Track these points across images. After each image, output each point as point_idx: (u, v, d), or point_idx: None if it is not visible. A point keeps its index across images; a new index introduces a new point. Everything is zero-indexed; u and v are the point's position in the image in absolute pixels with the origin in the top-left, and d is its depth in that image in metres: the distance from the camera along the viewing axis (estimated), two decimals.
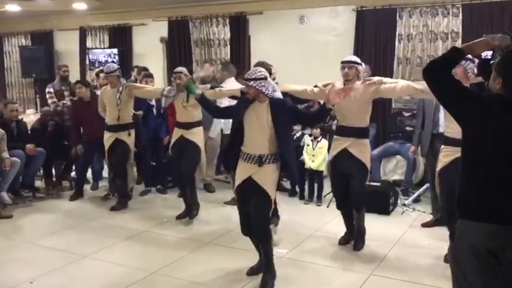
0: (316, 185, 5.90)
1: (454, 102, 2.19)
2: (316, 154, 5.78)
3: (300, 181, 6.08)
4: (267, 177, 3.56)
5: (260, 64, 4.91)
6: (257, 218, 3.57)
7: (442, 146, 4.00)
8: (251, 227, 3.64)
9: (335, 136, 4.45)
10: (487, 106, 2.09)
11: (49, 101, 6.69)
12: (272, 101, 3.57)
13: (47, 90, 6.86)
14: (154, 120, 6.22)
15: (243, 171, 3.64)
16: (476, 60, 3.41)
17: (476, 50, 2.29)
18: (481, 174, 2.12)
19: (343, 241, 4.53)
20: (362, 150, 4.25)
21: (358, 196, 4.28)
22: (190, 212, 5.24)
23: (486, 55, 2.27)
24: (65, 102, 6.71)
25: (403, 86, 4.09)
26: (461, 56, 2.28)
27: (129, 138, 5.57)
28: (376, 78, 4.26)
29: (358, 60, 4.26)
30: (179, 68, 5.21)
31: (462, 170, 2.22)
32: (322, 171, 5.77)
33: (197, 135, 5.21)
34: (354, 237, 4.48)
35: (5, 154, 5.51)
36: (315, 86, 4.47)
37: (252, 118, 3.59)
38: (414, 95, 4.34)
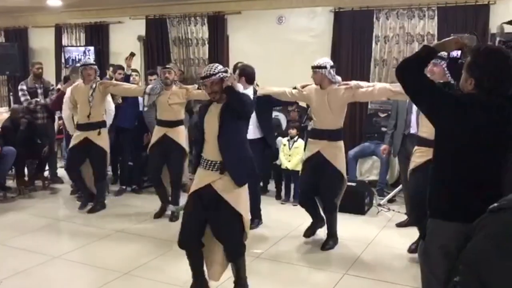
0: (292, 185, 5.90)
1: (426, 100, 2.20)
2: (293, 154, 5.78)
3: (277, 180, 6.12)
4: (232, 188, 3.19)
5: (245, 66, 4.89)
6: (228, 237, 3.23)
7: (416, 147, 4.03)
8: (194, 235, 3.25)
9: (309, 139, 4.50)
10: (460, 106, 2.10)
11: (22, 98, 6.53)
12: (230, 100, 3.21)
13: (19, 87, 6.70)
14: (137, 117, 6.12)
15: (202, 178, 3.26)
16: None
17: (447, 48, 2.31)
18: (452, 174, 2.14)
19: (309, 233, 4.55)
20: (336, 154, 4.28)
21: (328, 202, 4.34)
22: (171, 214, 5.21)
23: (457, 54, 2.28)
24: (38, 100, 6.55)
25: (380, 89, 4.13)
26: (434, 54, 2.29)
27: (99, 138, 5.39)
28: (352, 83, 4.27)
29: (322, 63, 4.21)
30: (166, 65, 5.24)
31: (433, 169, 2.23)
32: (298, 171, 5.76)
33: (181, 135, 5.19)
34: (321, 226, 4.51)
35: None
36: (294, 88, 4.49)
37: (207, 121, 3.29)
38: (391, 97, 4.37)
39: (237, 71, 4.87)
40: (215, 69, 3.23)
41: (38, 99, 6.56)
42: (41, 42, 9.84)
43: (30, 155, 6.32)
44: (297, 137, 5.82)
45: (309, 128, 5.42)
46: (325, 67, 4.20)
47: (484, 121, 2.07)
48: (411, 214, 4.41)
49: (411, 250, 4.21)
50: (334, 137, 4.28)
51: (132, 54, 5.67)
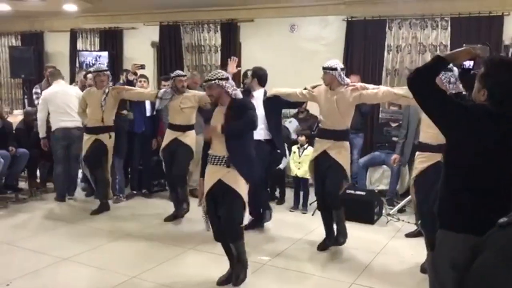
0: (301, 193, 5.89)
1: (438, 110, 2.19)
2: (302, 162, 5.77)
3: (280, 186, 6.21)
4: (238, 179, 3.54)
5: (258, 69, 4.97)
6: (231, 219, 3.55)
7: (417, 153, 4.00)
8: (222, 230, 3.61)
9: (316, 139, 4.56)
10: (472, 117, 2.09)
11: (36, 101, 6.61)
12: (234, 103, 3.57)
13: (33, 90, 6.78)
14: (145, 122, 6.18)
15: (212, 174, 3.60)
16: (455, 69, 3.43)
17: (458, 59, 2.30)
18: (461, 184, 2.12)
19: (321, 247, 4.55)
20: (340, 152, 4.34)
21: (332, 197, 4.35)
22: (181, 209, 5.27)
23: (469, 65, 2.28)
24: None
25: (384, 91, 4.22)
26: (445, 65, 2.29)
27: (109, 141, 5.48)
28: (359, 84, 4.36)
29: (333, 65, 4.29)
30: (179, 72, 5.35)
31: (443, 179, 2.22)
32: (308, 179, 5.77)
33: (191, 138, 5.25)
34: (332, 242, 4.53)
35: None
36: (305, 89, 4.56)
37: (213, 120, 3.65)
38: (395, 100, 4.47)
39: (250, 73, 5.03)
40: (214, 75, 3.58)
41: None
42: (57, 46, 9.98)
43: (42, 157, 6.38)
44: (307, 144, 5.82)
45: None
46: (335, 69, 4.27)
47: (496, 132, 2.05)
48: (421, 220, 4.34)
49: (423, 270, 4.10)
50: (341, 137, 4.35)
51: (143, 67, 5.81)
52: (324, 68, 4.32)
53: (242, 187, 3.56)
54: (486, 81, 2.11)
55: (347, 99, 4.28)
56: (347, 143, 4.41)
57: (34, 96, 6.71)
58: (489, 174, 2.06)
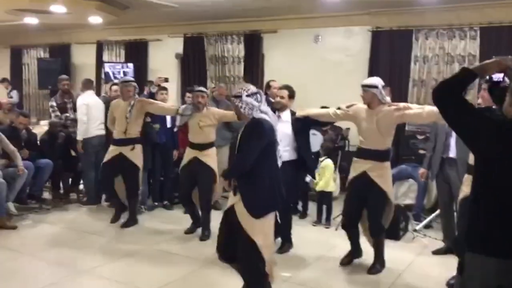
0: (324, 207, 5.77)
1: (464, 125, 2.06)
2: (321, 174, 5.63)
3: (303, 200, 6.04)
4: (252, 222, 3.18)
5: (291, 87, 4.77)
6: (244, 265, 3.28)
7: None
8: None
9: (354, 158, 4.39)
10: (501, 132, 1.97)
11: (52, 115, 6.67)
12: (248, 123, 3.28)
13: (49, 103, 6.81)
14: (166, 133, 6.18)
15: (230, 197, 3.37)
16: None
17: (487, 71, 2.18)
18: (492, 205, 1.99)
19: (346, 261, 4.44)
20: (382, 176, 4.15)
21: (376, 225, 4.21)
22: (202, 234, 5.15)
23: (499, 78, 2.15)
24: (67, 115, 6.64)
25: (429, 111, 3.93)
26: (473, 78, 2.17)
27: (133, 154, 5.43)
28: (402, 104, 4.17)
29: (374, 82, 4.16)
30: (201, 88, 5.25)
31: (473, 199, 2.09)
32: (331, 192, 5.65)
33: (211, 157, 5.14)
34: (357, 256, 4.42)
35: (19, 162, 5.57)
36: (338, 108, 4.41)
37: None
38: (439, 120, 4.22)
39: (287, 93, 4.71)
40: (235, 91, 3.37)
41: (68, 114, 6.67)
42: (83, 57, 10.17)
43: (66, 168, 6.44)
44: (324, 157, 5.69)
45: (346, 148, 5.29)
46: (376, 87, 4.12)
47: None
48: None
49: (450, 286, 3.97)
50: (382, 158, 4.16)
51: (167, 80, 5.92)
52: (364, 86, 4.15)
53: (254, 227, 3.18)
54: None
55: (388, 119, 4.09)
56: (388, 164, 4.23)
57: (50, 110, 6.73)
58: None
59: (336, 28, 7.58)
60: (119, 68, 9.18)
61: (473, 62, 6.49)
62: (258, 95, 3.29)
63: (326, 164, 5.67)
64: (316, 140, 6.46)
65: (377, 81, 4.18)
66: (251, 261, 3.20)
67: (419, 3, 6.57)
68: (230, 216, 3.30)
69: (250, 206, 3.18)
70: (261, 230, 3.20)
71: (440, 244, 4.92)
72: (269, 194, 3.23)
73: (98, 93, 8.74)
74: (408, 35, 6.96)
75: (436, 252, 4.80)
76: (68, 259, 4.48)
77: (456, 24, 6.63)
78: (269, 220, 3.26)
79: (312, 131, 6.52)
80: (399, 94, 6.74)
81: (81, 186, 6.77)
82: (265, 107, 3.31)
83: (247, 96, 3.25)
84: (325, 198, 5.74)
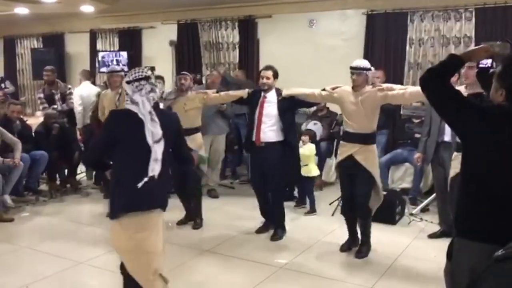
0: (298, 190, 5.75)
1: (450, 112, 2.06)
2: (303, 160, 5.32)
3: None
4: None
5: (275, 68, 4.78)
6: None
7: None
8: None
9: (341, 142, 4.39)
10: (487, 118, 1.96)
11: (40, 107, 6.61)
12: None
13: (37, 95, 6.73)
14: None
15: None
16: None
17: (475, 57, 2.17)
18: (479, 190, 1.99)
19: (345, 247, 4.45)
20: (368, 157, 4.16)
21: (361, 207, 4.21)
22: (194, 222, 5.14)
23: (487, 64, 2.14)
24: (55, 106, 6.54)
25: (412, 91, 3.97)
26: (460, 64, 2.15)
27: None
28: (385, 85, 4.18)
29: (367, 65, 4.15)
30: (184, 72, 5.25)
31: (461, 184, 2.09)
32: (309, 177, 5.57)
33: (198, 142, 5.11)
34: (355, 245, 4.42)
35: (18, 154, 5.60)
36: (323, 90, 4.40)
37: None
38: (424, 100, 4.24)
39: (271, 73, 4.73)
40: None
41: (56, 106, 6.59)
42: (77, 47, 10.07)
43: (62, 160, 6.43)
44: (305, 142, 5.59)
45: (341, 133, 5.23)
46: (369, 69, 4.13)
47: None
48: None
49: None
50: (368, 141, 4.16)
51: (153, 69, 6.15)
52: (355, 68, 4.10)
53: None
54: (505, 80, 1.97)
55: (372, 100, 4.09)
56: (374, 146, 4.23)
57: (38, 101, 6.66)
58: (507, 180, 1.92)
59: (330, 12, 7.50)
60: (112, 57, 9.11)
61: (469, 43, 6.43)
62: (143, 81, 2.71)
63: (305, 149, 5.53)
64: (318, 129, 6.46)
65: (368, 63, 4.18)
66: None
67: None
68: None
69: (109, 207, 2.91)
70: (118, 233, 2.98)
71: (436, 228, 4.94)
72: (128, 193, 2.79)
73: (93, 83, 8.70)
74: (403, 18, 6.89)
75: (432, 236, 4.81)
76: (66, 250, 4.48)
77: (451, 5, 6.56)
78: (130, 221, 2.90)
79: (313, 121, 6.52)
80: (395, 77, 6.69)
81: (78, 177, 6.78)
82: (140, 97, 2.69)
83: (127, 82, 2.75)
84: (308, 184, 5.65)
